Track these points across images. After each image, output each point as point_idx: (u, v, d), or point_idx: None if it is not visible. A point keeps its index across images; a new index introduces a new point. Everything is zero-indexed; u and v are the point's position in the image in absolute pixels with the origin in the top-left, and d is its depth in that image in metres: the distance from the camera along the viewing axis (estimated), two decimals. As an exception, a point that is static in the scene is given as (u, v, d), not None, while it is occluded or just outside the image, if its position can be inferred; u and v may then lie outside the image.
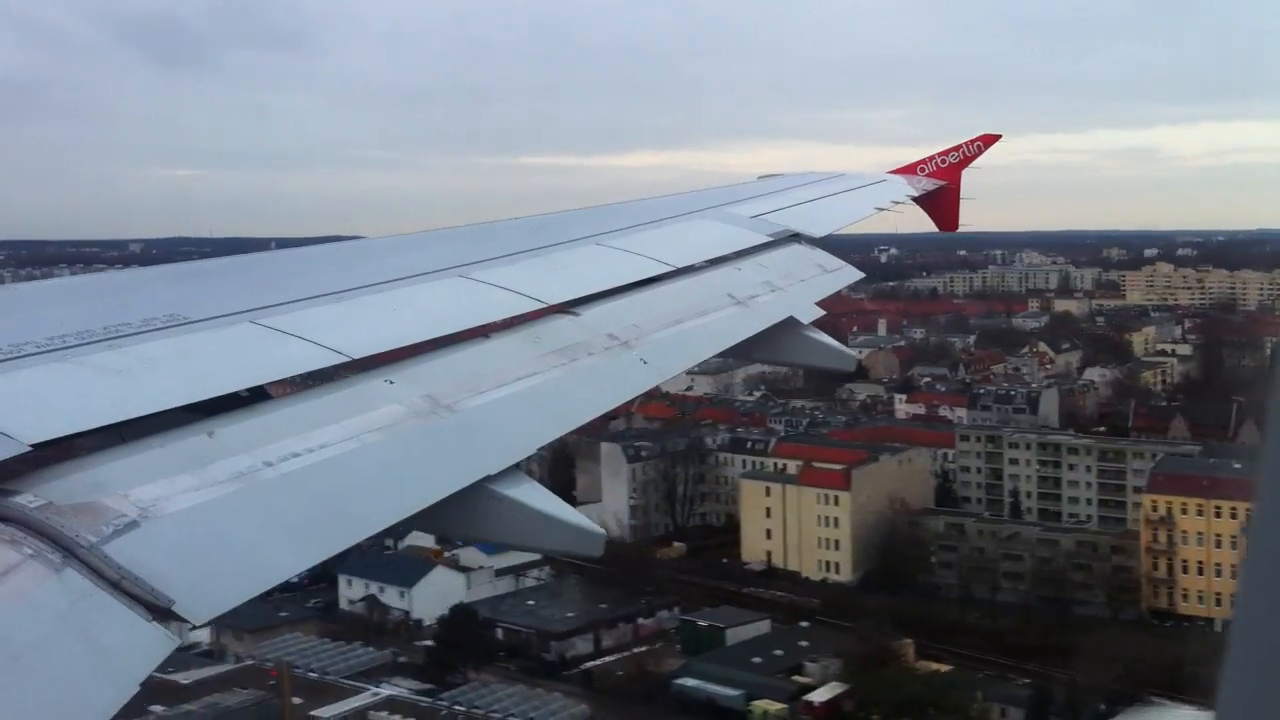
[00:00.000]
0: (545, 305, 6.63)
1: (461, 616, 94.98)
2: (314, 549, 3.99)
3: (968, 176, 17.75)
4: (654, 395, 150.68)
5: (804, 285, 9.25)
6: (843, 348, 9.00)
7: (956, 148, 17.86)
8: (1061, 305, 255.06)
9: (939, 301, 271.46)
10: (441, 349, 5.78)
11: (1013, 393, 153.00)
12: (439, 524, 4.70)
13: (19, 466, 3.67)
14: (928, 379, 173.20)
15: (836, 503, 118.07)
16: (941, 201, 17.44)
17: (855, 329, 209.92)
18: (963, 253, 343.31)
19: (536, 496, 4.86)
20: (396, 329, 5.71)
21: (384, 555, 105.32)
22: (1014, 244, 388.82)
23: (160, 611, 3.30)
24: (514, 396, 5.47)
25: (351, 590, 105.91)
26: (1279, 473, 1.58)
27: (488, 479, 4.74)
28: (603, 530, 5.14)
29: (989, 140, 18.10)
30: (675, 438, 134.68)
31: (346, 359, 5.16)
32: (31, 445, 3.71)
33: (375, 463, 4.51)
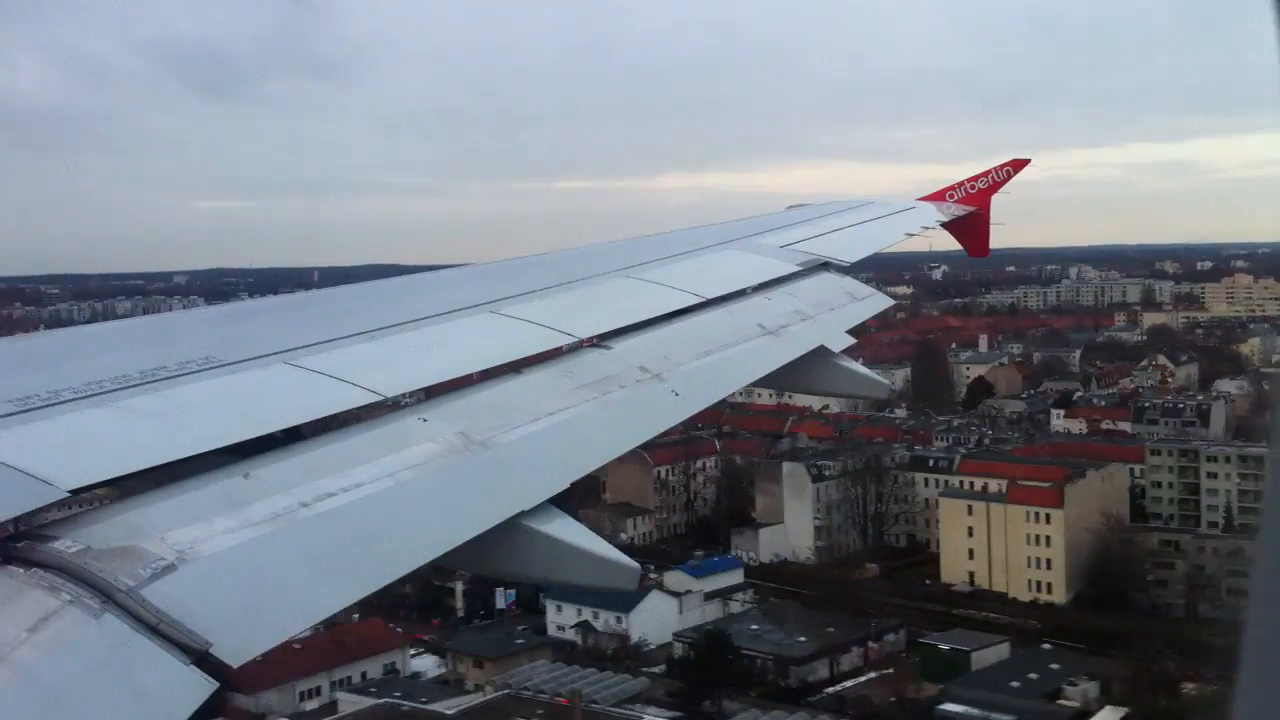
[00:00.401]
0: (576, 339, 6.65)
1: (714, 642, 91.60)
2: (351, 588, 4.00)
3: (998, 200, 17.71)
4: (806, 414, 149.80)
5: (834, 314, 9.23)
6: (875, 376, 8.97)
7: (986, 173, 17.82)
8: (1151, 319, 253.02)
9: (1022, 317, 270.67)
10: (474, 385, 5.80)
11: (1181, 405, 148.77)
12: (474, 561, 4.70)
13: (57, 512, 3.70)
14: (1080, 393, 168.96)
15: (1048, 520, 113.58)
16: (971, 227, 17.39)
17: (953, 345, 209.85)
18: (1011, 268, 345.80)
19: (570, 531, 4.86)
20: (429, 366, 5.74)
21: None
22: (1056, 259, 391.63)
23: (199, 655, 3.31)
24: (546, 431, 5.48)
25: (561, 616, 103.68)
26: None
27: (521, 514, 4.74)
28: (636, 565, 5.12)
29: (1018, 165, 18.04)
30: (851, 456, 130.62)
31: (380, 398, 5.18)
32: (69, 490, 3.74)
33: (410, 500, 4.53)
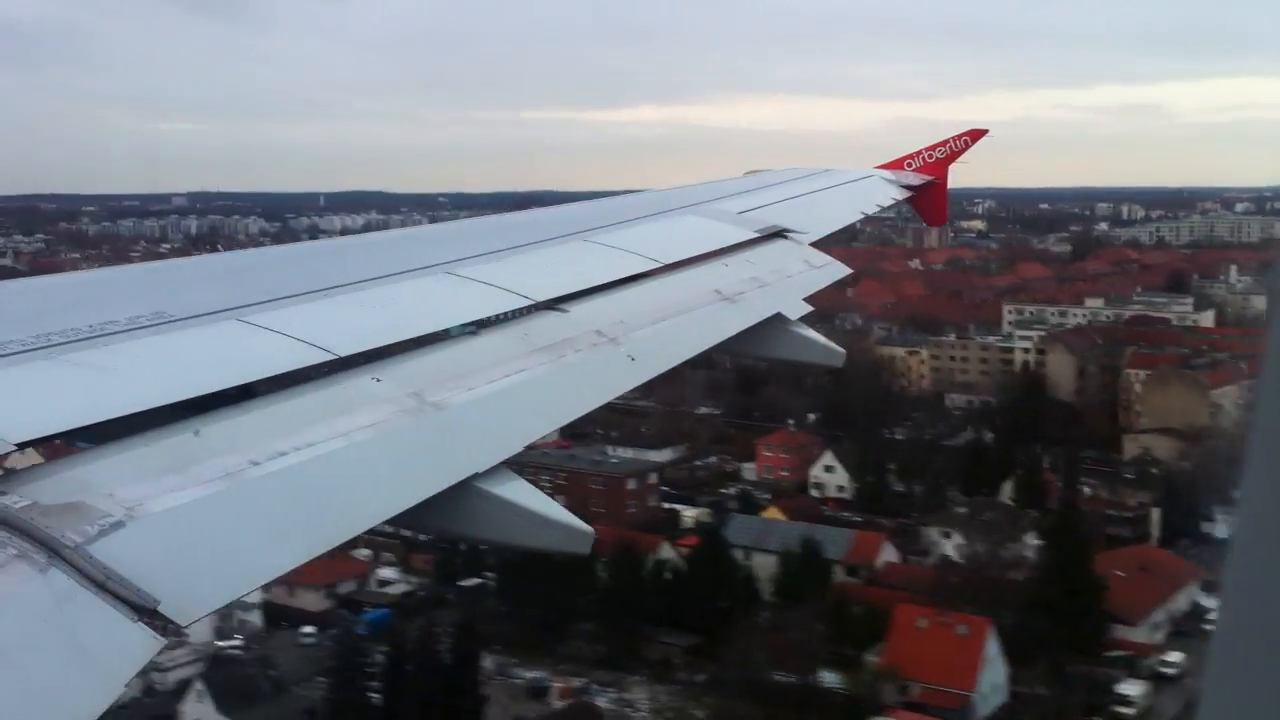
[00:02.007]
0: (533, 302, 6.63)
1: None
2: (301, 548, 3.98)
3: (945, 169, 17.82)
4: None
5: (791, 281, 9.24)
6: (831, 344, 8.99)
7: (944, 143, 17.89)
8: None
9: (1182, 252, 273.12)
10: (428, 346, 5.77)
11: None
12: (426, 522, 4.69)
13: (3, 466, 3.66)
14: None
15: None
16: (928, 196, 17.47)
17: (1196, 275, 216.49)
18: (1044, 206, 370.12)
19: (524, 494, 4.85)
20: (383, 326, 5.70)
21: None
22: (1079, 199, 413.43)
23: (146, 612, 3.29)
24: (501, 393, 5.46)
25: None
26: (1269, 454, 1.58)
27: (474, 477, 4.73)
28: (590, 529, 5.13)
29: (976, 135, 18.13)
30: None
31: (333, 357, 5.14)
32: (16, 444, 3.69)
33: (362, 461, 4.50)
